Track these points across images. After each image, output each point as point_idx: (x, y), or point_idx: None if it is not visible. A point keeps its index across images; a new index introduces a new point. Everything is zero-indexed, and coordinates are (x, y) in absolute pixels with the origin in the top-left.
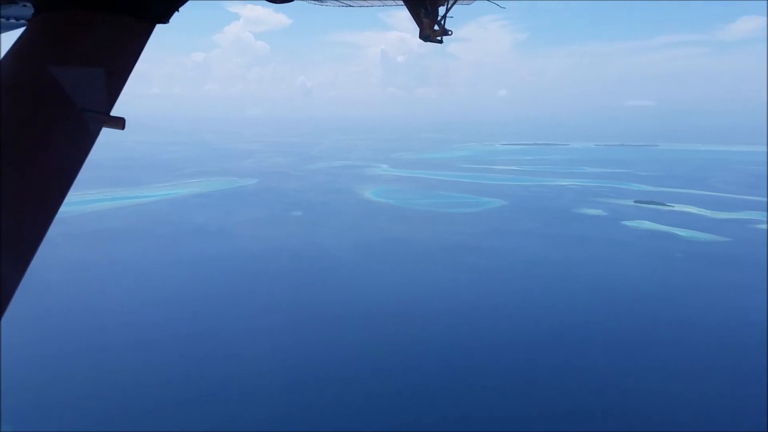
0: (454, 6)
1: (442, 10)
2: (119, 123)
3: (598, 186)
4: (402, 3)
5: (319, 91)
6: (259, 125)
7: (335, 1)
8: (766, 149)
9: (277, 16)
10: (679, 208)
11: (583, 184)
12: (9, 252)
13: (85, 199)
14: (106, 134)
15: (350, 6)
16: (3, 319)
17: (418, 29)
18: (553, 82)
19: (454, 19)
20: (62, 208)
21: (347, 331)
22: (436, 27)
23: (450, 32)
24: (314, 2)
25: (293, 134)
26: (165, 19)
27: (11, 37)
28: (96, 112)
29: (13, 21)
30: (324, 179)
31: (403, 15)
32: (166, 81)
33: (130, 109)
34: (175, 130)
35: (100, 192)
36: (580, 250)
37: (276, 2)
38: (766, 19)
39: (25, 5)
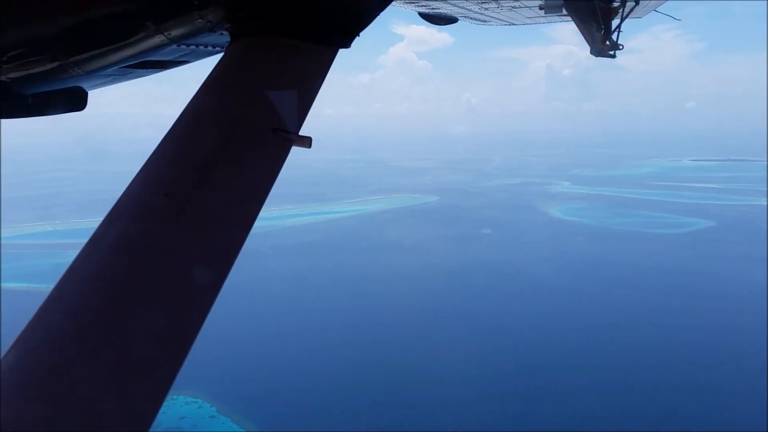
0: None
1: (613, 23)
2: (306, 142)
3: None
4: (569, 18)
5: (484, 108)
6: (428, 143)
7: (499, 21)
8: None
9: (439, 35)
10: None
11: None
12: (210, 262)
13: (284, 214)
14: (294, 153)
15: (514, 24)
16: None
17: (585, 42)
18: (741, 92)
19: (624, 31)
20: (267, 222)
21: (553, 352)
22: (607, 42)
23: (621, 46)
24: (477, 23)
25: (462, 151)
26: (347, 44)
27: (210, 62)
28: (287, 132)
29: (210, 48)
30: (504, 197)
31: (569, 27)
32: (336, 102)
33: (309, 128)
34: (350, 148)
35: (296, 207)
36: None
37: (440, 24)
38: None
39: (221, 34)
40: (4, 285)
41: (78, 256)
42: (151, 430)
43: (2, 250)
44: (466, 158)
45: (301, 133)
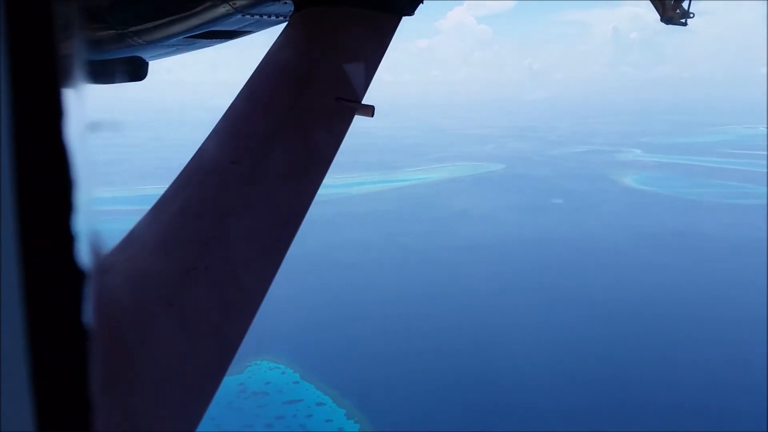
0: None
1: None
2: (369, 111)
3: None
4: None
5: (546, 73)
6: (490, 110)
7: None
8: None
9: None
10: None
11: None
12: (275, 228)
13: (349, 182)
14: (355, 120)
15: None
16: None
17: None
18: None
19: None
20: (333, 190)
21: (632, 326)
22: (678, 9)
23: (692, 14)
24: None
25: (525, 118)
26: (411, 11)
27: (274, 32)
28: (349, 101)
29: (274, 18)
30: (573, 165)
31: None
32: (394, 68)
33: (370, 96)
34: (409, 116)
35: (360, 175)
36: None
37: None
38: None
39: (285, 3)
40: None
41: (141, 221)
42: (238, 394)
43: None
44: (529, 125)
45: (364, 100)
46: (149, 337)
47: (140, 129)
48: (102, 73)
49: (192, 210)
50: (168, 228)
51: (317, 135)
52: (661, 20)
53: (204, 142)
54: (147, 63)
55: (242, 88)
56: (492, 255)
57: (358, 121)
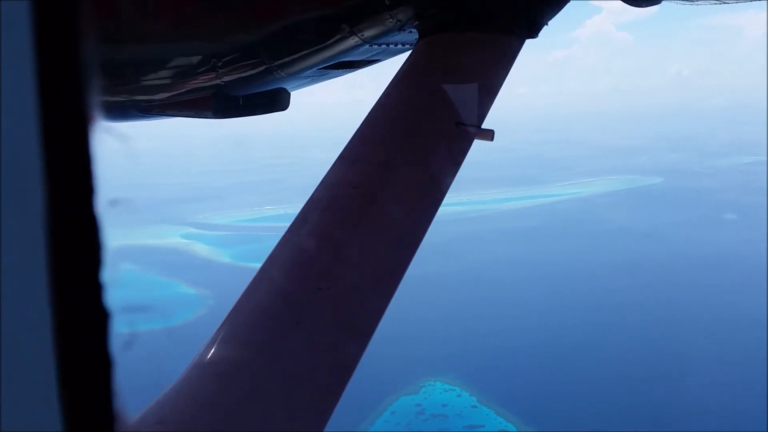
0: None
1: None
2: (488, 135)
3: None
4: None
5: (697, 80)
6: (636, 120)
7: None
8: None
9: None
10: None
11: None
12: (394, 251)
13: (497, 198)
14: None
15: (726, 3)
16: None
17: None
18: None
19: None
20: (481, 206)
21: None
22: None
23: None
24: (684, 3)
25: (678, 127)
26: (535, 33)
27: (399, 59)
28: (469, 126)
29: (400, 46)
30: (741, 177)
31: None
32: (530, 80)
33: (502, 112)
34: (549, 128)
35: (507, 191)
36: None
37: (641, 6)
38: None
39: (410, 32)
40: (249, 264)
41: (280, 243)
42: (417, 415)
43: (244, 232)
44: (684, 135)
45: (495, 118)
46: (278, 355)
47: (292, 149)
48: (255, 105)
49: (317, 232)
50: (298, 249)
51: (436, 159)
52: None
53: (331, 167)
54: (289, 93)
55: (367, 114)
56: (664, 274)
57: (499, 136)
